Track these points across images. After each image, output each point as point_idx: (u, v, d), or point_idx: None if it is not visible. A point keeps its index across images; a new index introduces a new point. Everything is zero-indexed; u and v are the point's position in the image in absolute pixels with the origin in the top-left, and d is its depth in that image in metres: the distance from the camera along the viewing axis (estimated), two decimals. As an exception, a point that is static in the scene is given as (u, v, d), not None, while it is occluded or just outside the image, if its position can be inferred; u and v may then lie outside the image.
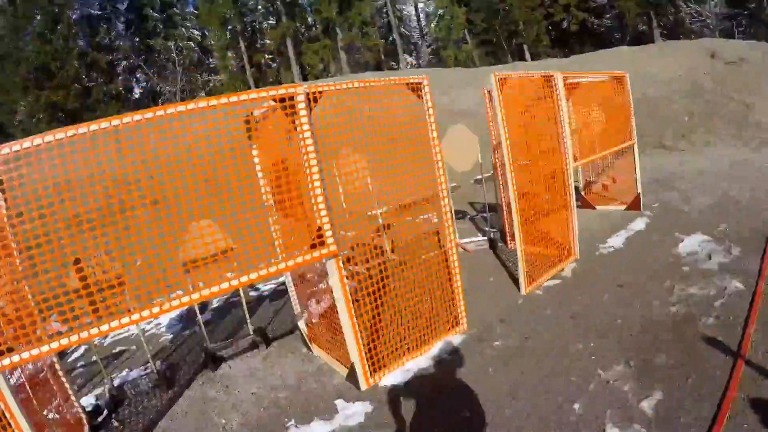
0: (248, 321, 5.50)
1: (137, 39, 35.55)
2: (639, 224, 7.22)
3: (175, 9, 37.35)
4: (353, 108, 4.12)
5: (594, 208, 8.69)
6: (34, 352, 3.03)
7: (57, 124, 28.06)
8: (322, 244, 3.91)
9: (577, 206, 8.87)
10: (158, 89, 36.57)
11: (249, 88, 34.48)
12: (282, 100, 3.74)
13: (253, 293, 7.52)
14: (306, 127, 3.77)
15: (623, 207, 8.25)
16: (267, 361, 5.19)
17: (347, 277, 4.78)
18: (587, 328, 4.63)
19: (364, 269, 4.62)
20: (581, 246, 6.53)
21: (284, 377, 4.81)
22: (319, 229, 3.93)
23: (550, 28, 36.11)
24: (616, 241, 6.70)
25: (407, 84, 4.46)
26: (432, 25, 42.52)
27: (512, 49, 36.96)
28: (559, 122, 5.88)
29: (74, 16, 30.22)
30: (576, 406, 3.59)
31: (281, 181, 4.05)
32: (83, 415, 4.28)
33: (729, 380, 3.39)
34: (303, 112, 3.77)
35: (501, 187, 7.29)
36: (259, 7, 37.46)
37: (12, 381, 3.45)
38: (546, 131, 6.03)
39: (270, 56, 39.30)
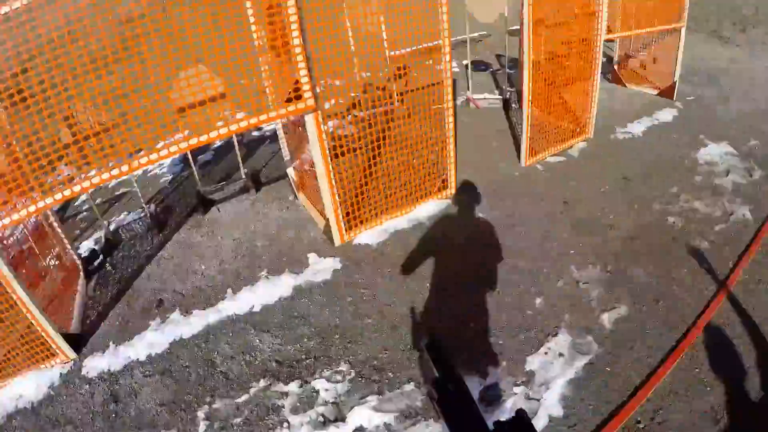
0: (241, 165, 5.26)
1: None
2: (666, 115, 6.60)
3: None
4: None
5: (624, 86, 7.90)
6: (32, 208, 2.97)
7: None
8: (299, 98, 3.50)
9: (607, 79, 8.14)
10: None
11: None
12: None
13: (255, 133, 7.01)
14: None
15: (656, 91, 7.50)
16: (254, 206, 5.07)
17: (350, 123, 4.32)
18: (576, 218, 4.41)
19: (368, 115, 4.16)
20: (598, 125, 6.01)
21: (266, 225, 4.71)
22: (297, 82, 3.48)
23: None
24: (637, 127, 6.16)
25: None
26: None
27: None
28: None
29: None
30: (538, 300, 3.50)
31: (275, 26, 3.42)
32: (78, 261, 4.38)
33: (699, 316, 3.25)
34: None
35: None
36: None
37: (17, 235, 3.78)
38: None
39: None
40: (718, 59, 10.55)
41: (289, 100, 3.48)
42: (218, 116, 3.52)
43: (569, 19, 5.36)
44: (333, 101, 4.65)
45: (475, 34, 7.31)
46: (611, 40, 7.86)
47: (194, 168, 4.98)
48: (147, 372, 3.27)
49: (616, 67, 8.03)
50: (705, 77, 8.71)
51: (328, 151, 3.77)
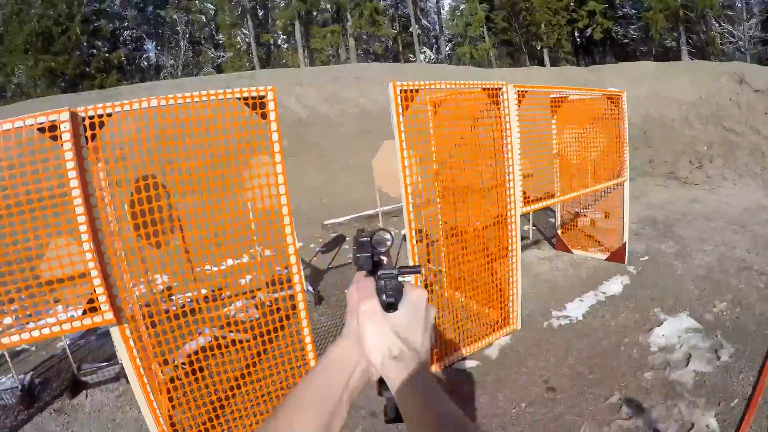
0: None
1: (147, 8, 34.45)
2: (614, 286, 5.69)
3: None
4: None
5: (570, 252, 7.16)
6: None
7: (55, 89, 27.16)
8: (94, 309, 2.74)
9: (552, 246, 7.45)
10: (160, 62, 35.49)
11: (254, 68, 33.13)
12: None
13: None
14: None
15: (605, 256, 6.71)
16: (121, 398, 4.28)
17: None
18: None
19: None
20: (529, 310, 5.08)
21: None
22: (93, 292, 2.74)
23: (574, 34, 34.10)
24: (577, 309, 5.19)
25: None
26: (448, 18, 40.67)
27: (532, 52, 34.99)
28: (506, 149, 4.40)
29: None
30: None
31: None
32: None
33: None
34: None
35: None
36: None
37: None
38: (488, 157, 4.59)
39: (278, 37, 37.98)
40: (676, 202, 10.04)
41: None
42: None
43: (477, 188, 4.82)
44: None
45: (390, 207, 6.75)
46: (549, 207, 7.39)
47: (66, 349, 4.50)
48: None
49: (559, 232, 7.38)
50: (662, 228, 8.04)
51: None
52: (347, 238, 8.93)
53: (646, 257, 6.62)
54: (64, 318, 2.77)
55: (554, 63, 32.18)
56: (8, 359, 4.46)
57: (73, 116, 2.69)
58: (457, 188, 5.07)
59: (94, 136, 2.80)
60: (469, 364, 4.36)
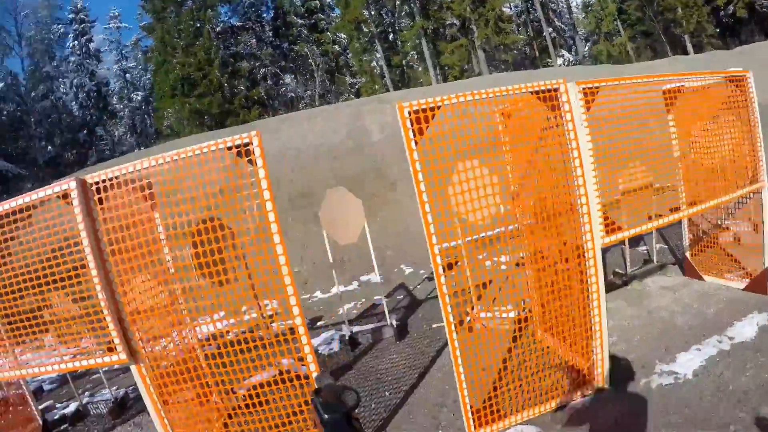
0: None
1: (281, 45, 37.18)
2: (747, 329, 4.33)
3: (319, 15, 38.40)
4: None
5: (701, 278, 5.73)
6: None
7: (202, 128, 30.44)
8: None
9: (681, 272, 6.04)
10: (298, 94, 37.96)
11: (388, 90, 33.88)
12: None
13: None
14: None
15: (743, 284, 5.23)
16: None
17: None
18: None
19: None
20: (634, 355, 4.15)
21: None
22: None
23: (716, 14, 29.44)
24: (689, 362, 3.99)
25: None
26: (580, 17, 37.81)
27: (673, 40, 30.84)
28: (573, 165, 3.52)
29: (218, 28, 32.47)
30: None
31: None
32: (40, 423, 5.20)
33: None
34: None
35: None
36: (395, 7, 36.74)
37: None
38: (551, 177, 3.76)
39: (409, 57, 38.51)
40: None
41: None
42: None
43: (545, 215, 4.02)
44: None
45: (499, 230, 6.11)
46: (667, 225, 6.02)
47: None
48: None
49: (688, 254, 5.96)
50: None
51: None
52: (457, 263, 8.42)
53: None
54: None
55: (699, 49, 28.04)
56: (102, 375, 5.60)
57: (81, 183, 3.23)
58: (531, 213, 4.30)
59: (101, 200, 3.25)
60: (527, 431, 3.51)
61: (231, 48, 33.03)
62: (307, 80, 38.46)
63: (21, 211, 3.40)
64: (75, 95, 34.41)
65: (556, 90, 3.48)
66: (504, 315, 5.06)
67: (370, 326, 6.54)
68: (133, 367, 3.37)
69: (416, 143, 3.25)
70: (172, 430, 3.57)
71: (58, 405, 5.88)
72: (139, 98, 36.88)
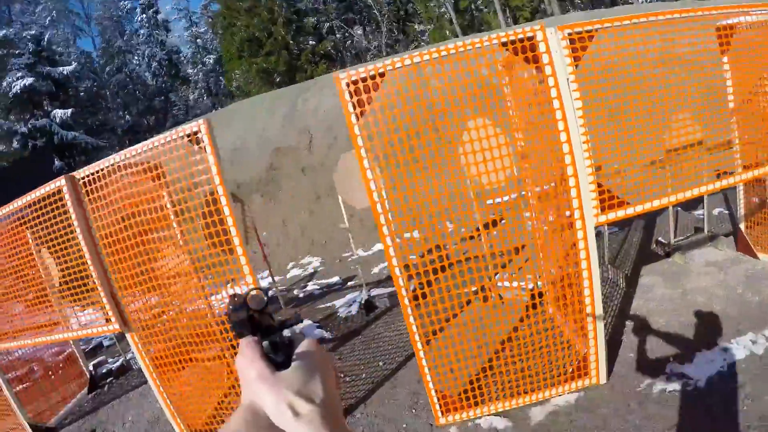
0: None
1: (346, -1, 36.40)
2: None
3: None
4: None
5: (755, 256, 4.83)
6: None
7: (271, 86, 30.87)
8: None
9: (735, 248, 5.14)
10: (365, 45, 37.27)
11: (456, 36, 32.37)
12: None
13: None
14: None
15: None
16: None
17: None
18: None
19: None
20: (647, 348, 3.56)
21: None
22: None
23: None
24: (708, 365, 3.33)
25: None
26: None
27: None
28: (558, 129, 2.94)
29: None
30: None
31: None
32: (88, 377, 6.26)
33: None
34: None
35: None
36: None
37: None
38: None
39: (475, 1, 36.32)
40: None
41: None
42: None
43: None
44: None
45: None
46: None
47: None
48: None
49: (742, 226, 5.03)
50: None
51: None
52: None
53: None
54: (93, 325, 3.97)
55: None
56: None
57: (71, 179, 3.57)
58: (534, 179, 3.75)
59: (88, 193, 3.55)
60: (497, 423, 3.13)
61: (295, 4, 32.72)
62: (374, 31, 37.60)
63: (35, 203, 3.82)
64: (147, 65, 36.16)
65: (531, 39, 2.85)
66: (522, 287, 4.57)
67: (388, 290, 6.40)
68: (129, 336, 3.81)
69: (357, 117, 2.83)
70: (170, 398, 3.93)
71: (109, 360, 6.89)
72: (211, 61, 37.98)
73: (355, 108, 2.93)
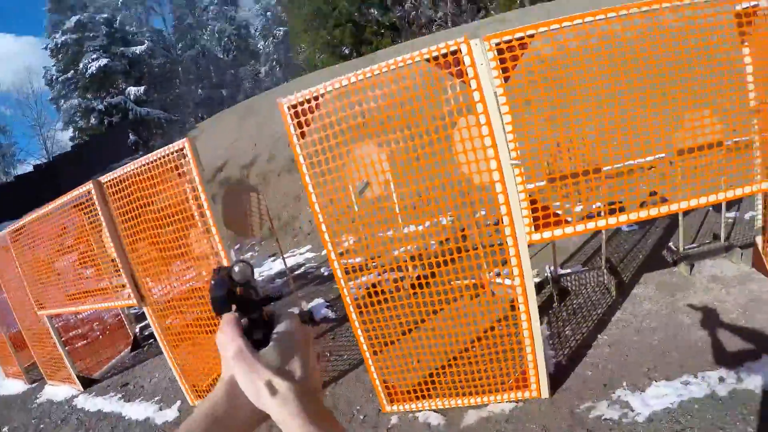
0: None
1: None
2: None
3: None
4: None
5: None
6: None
7: (337, 59, 31.09)
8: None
9: (750, 266, 4.62)
10: (429, 15, 36.31)
11: (524, 5, 30.76)
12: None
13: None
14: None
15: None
16: None
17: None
18: None
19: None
20: (609, 370, 3.45)
21: None
22: None
23: None
24: (661, 399, 3.08)
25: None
26: None
27: None
28: (484, 142, 2.82)
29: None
30: None
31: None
32: (131, 337, 7.31)
33: None
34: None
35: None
36: None
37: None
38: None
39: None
40: None
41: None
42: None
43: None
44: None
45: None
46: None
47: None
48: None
49: (758, 240, 4.50)
50: None
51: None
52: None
53: None
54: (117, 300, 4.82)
55: None
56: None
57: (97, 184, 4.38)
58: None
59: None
60: (432, 419, 3.32)
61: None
62: (439, 1, 36.47)
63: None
64: (218, 41, 37.37)
65: (454, 54, 2.70)
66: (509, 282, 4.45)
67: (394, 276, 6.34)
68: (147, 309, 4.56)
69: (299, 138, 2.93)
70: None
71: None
72: (281, 33, 38.65)
73: (296, 129, 3.10)
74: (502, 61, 2.68)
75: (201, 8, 39.30)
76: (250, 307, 0.71)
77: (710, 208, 5.82)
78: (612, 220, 2.86)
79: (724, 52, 3.18)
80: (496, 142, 2.74)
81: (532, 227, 2.88)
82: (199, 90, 37.13)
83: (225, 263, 3.74)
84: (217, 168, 15.98)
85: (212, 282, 0.71)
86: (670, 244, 5.17)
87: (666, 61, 2.87)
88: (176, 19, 38.71)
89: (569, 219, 2.91)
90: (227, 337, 0.69)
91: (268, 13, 39.73)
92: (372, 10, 33.64)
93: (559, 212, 2.90)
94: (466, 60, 2.69)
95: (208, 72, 37.13)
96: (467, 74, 2.71)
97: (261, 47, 39.77)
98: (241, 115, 19.96)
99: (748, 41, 3.52)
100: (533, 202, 2.86)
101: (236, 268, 0.70)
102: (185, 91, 35.85)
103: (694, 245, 5.02)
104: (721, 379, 3.14)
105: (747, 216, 5.56)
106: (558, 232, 2.89)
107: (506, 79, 2.69)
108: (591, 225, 2.88)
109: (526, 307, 3.04)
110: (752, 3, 3.32)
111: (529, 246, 2.92)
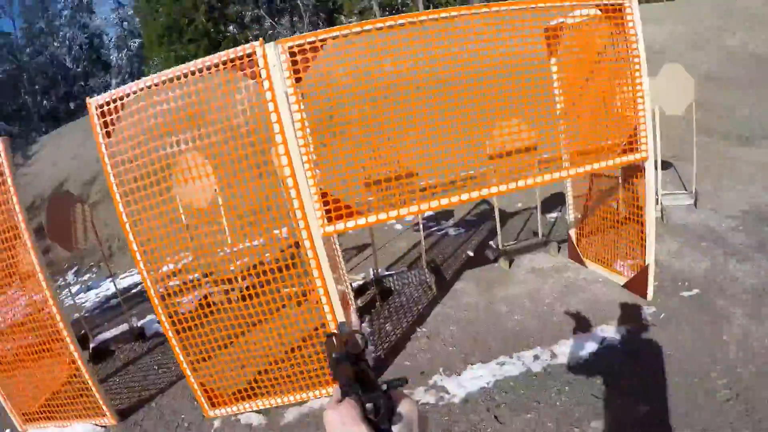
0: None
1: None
2: (580, 346, 3.53)
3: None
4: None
5: (583, 265, 4.85)
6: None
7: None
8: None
9: (567, 257, 5.11)
10: (288, 36, 36.46)
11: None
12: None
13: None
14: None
15: (623, 280, 4.33)
16: None
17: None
18: None
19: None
20: (443, 355, 3.64)
21: None
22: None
23: None
24: (477, 379, 3.31)
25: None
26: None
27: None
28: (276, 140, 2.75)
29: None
30: None
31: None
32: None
33: None
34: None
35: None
36: None
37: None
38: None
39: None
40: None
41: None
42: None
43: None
44: None
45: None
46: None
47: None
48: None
49: (572, 233, 5.02)
50: (747, 225, 5.19)
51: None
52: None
53: (695, 291, 4.05)
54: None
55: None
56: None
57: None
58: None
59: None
60: (253, 419, 3.38)
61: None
62: (296, 22, 36.82)
63: None
64: (68, 49, 34.17)
65: (249, 56, 2.66)
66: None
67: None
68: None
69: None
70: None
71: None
72: (136, 45, 36.20)
73: (101, 129, 3.03)
74: (294, 63, 2.68)
75: (54, 12, 35.56)
76: (370, 387, 0.68)
77: (532, 212, 6.34)
78: (403, 211, 2.97)
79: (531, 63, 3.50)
80: (287, 137, 2.73)
81: (325, 219, 2.90)
82: (45, 101, 33.27)
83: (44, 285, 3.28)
84: (59, 183, 14.46)
85: (333, 356, 0.69)
86: (491, 242, 5.56)
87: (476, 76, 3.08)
88: (26, 21, 34.57)
89: (361, 211, 2.98)
90: (348, 420, 0.65)
91: (125, 23, 36.96)
92: (231, 28, 32.89)
93: (350, 204, 2.96)
94: (260, 62, 2.65)
95: (55, 82, 33.43)
96: (260, 75, 2.67)
97: (114, 59, 36.79)
98: (87, 129, 18.20)
99: (554, 54, 3.92)
100: (324, 195, 2.89)
101: (351, 341, 0.69)
102: (30, 102, 31.94)
103: (513, 242, 5.47)
104: (536, 357, 3.42)
105: (568, 216, 6.19)
106: (351, 223, 2.94)
107: (298, 80, 2.70)
108: (383, 216, 2.97)
109: (327, 298, 3.08)
110: (560, 20, 3.70)
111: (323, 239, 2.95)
